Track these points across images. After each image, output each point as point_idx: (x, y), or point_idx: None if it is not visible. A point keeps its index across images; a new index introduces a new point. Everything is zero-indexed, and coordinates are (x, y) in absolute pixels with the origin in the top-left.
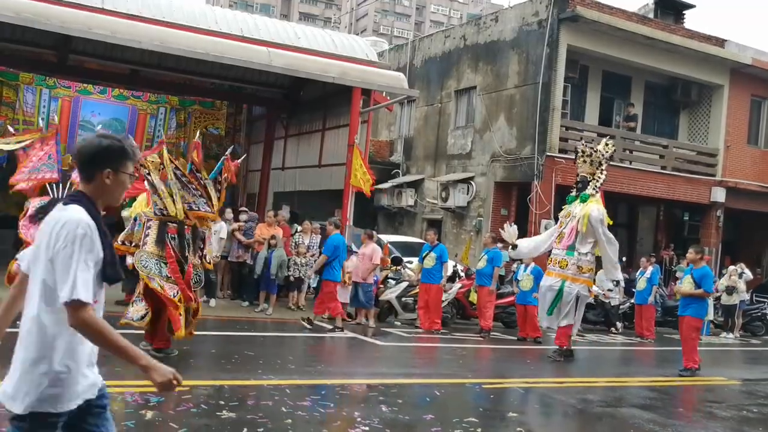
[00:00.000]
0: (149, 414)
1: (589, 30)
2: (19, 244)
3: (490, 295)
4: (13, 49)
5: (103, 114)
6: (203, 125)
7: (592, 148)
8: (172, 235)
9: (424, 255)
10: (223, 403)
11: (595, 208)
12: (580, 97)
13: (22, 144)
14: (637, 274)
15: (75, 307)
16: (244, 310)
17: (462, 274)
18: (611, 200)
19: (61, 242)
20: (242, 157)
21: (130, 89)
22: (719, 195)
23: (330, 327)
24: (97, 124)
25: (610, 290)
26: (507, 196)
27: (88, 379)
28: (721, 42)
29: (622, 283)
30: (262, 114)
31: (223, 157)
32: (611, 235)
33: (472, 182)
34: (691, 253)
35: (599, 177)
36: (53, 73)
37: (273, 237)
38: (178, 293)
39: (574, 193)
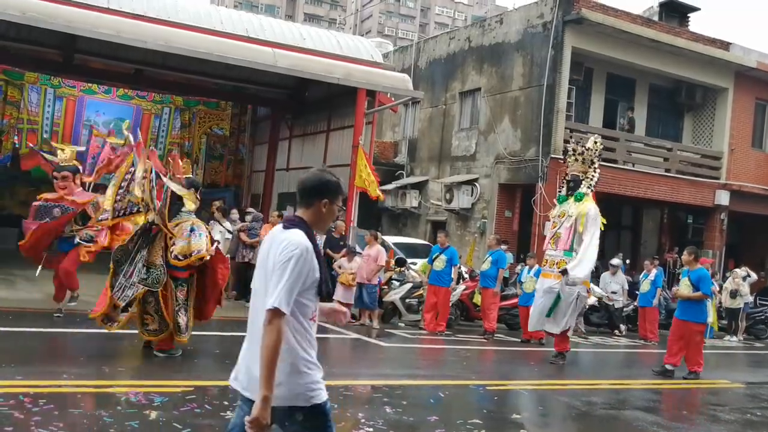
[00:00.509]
0: (153, 414)
1: (594, 32)
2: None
3: (494, 296)
4: (18, 48)
5: (108, 114)
6: (207, 125)
7: (583, 146)
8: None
9: (434, 257)
10: (227, 403)
11: (592, 207)
12: (584, 100)
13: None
14: (641, 276)
15: (274, 313)
16: (247, 310)
17: (466, 275)
18: (615, 202)
19: (280, 258)
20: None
21: (134, 89)
22: (723, 198)
23: None
24: (102, 124)
25: (614, 292)
26: (511, 198)
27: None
28: (725, 45)
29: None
30: (266, 114)
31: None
32: (596, 245)
33: (476, 184)
34: (685, 256)
35: (593, 175)
36: (58, 73)
37: None
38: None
39: (564, 192)
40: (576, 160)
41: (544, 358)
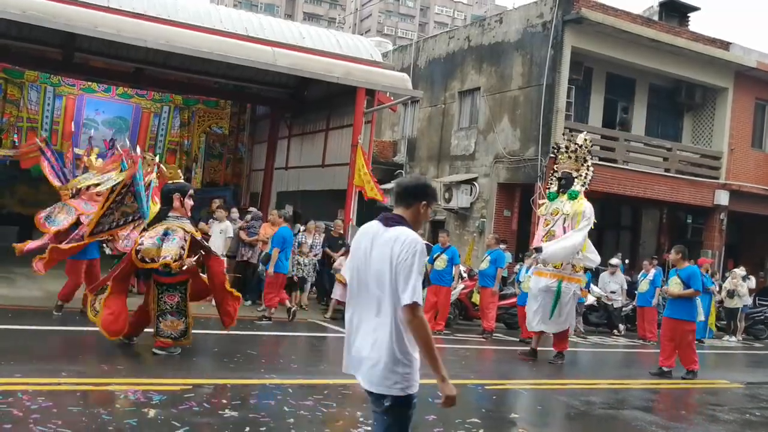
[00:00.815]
0: (152, 412)
1: (594, 32)
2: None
3: (492, 296)
4: (19, 46)
5: (107, 112)
6: (207, 124)
7: (575, 143)
8: None
9: (435, 256)
10: (225, 402)
11: (588, 206)
12: (583, 99)
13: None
14: (639, 276)
15: (415, 307)
16: (246, 309)
17: (464, 275)
18: (614, 202)
19: (403, 255)
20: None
21: (134, 88)
22: (723, 198)
23: (288, 317)
24: (101, 122)
25: (613, 292)
26: (510, 198)
27: None
28: (725, 45)
29: (539, 258)
30: (266, 113)
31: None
32: (580, 237)
33: (475, 183)
34: (672, 254)
35: (587, 173)
36: (58, 71)
37: None
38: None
39: (554, 189)
40: (569, 157)
41: (542, 358)
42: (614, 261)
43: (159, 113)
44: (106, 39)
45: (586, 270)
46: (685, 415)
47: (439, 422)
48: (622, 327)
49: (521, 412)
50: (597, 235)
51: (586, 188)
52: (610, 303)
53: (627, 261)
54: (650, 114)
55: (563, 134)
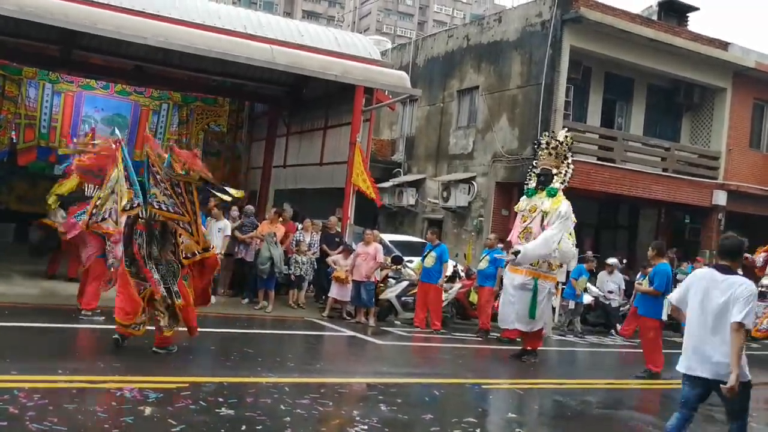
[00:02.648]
0: (148, 410)
1: (593, 31)
2: None
3: (491, 295)
4: (17, 43)
5: (106, 110)
6: (205, 122)
7: (556, 139)
8: (140, 232)
9: (425, 254)
10: (221, 400)
11: (566, 203)
12: (582, 99)
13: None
14: (638, 276)
15: (739, 324)
16: (244, 307)
17: (462, 274)
18: (612, 201)
19: (744, 293)
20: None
21: (133, 85)
22: (721, 198)
23: None
24: (100, 120)
25: (610, 292)
26: (508, 197)
27: None
28: (724, 45)
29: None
30: (264, 111)
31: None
32: (555, 237)
33: (473, 182)
34: (649, 251)
35: (566, 171)
36: (57, 68)
37: (273, 234)
38: (145, 290)
39: (533, 186)
40: (550, 154)
41: (541, 358)
42: (611, 261)
43: (158, 111)
44: (106, 36)
45: (590, 271)
46: None
47: (436, 421)
48: (619, 327)
49: (518, 411)
50: (594, 235)
51: (565, 185)
52: (607, 302)
53: (625, 261)
54: (648, 114)
55: (552, 131)
